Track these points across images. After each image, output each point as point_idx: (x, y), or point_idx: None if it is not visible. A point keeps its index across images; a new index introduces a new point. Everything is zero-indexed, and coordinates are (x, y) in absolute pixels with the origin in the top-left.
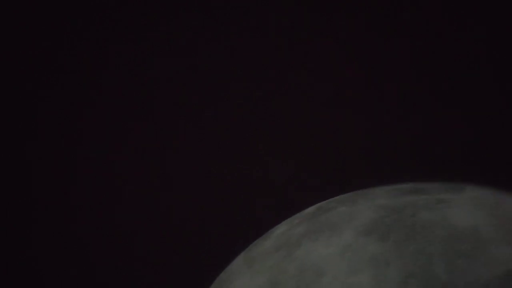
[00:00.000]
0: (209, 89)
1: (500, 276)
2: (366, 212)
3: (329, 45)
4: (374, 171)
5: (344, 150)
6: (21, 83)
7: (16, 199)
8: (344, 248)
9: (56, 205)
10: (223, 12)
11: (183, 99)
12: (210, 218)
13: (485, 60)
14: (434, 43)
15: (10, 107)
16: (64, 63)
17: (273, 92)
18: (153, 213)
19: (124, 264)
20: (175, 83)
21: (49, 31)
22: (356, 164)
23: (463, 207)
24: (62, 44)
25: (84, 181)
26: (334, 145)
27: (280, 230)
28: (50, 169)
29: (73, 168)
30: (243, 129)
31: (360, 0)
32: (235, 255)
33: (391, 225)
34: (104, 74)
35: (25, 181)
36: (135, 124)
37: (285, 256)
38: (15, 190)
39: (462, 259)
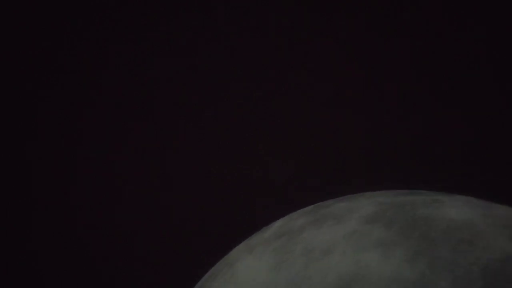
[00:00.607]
0: (209, 89)
1: (498, 258)
2: (367, 207)
3: (329, 45)
4: (374, 171)
5: (344, 150)
6: (21, 83)
7: (15, 199)
8: (349, 233)
9: (56, 205)
10: (223, 12)
11: (183, 99)
12: (210, 218)
13: (485, 60)
14: (434, 43)
15: (10, 107)
16: (64, 63)
17: (273, 92)
18: (153, 213)
19: (123, 263)
20: (175, 83)
21: (49, 31)
22: (356, 165)
23: (458, 206)
24: (62, 44)
25: (84, 181)
26: (334, 145)
27: (279, 223)
28: (50, 169)
29: (73, 168)
30: (243, 129)
31: (360, 0)
32: None
33: (393, 217)
34: (104, 74)
35: (25, 181)
36: (135, 124)
37: (289, 240)
38: (14, 190)
39: (463, 245)
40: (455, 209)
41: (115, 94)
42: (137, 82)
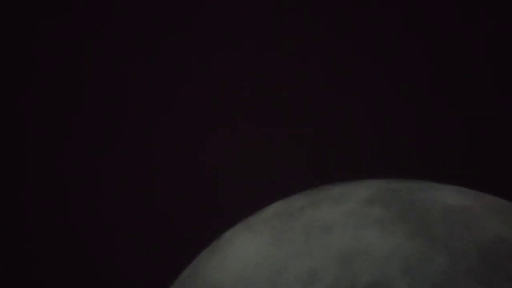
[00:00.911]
0: (208, 89)
1: (491, 239)
2: (364, 190)
3: (329, 45)
4: (373, 171)
5: (343, 149)
6: (16, 84)
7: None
8: (348, 212)
9: (51, 204)
10: (222, 12)
11: (182, 98)
12: (204, 216)
13: (485, 60)
14: (434, 43)
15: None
16: (59, 63)
17: (271, 91)
18: (150, 212)
19: (116, 256)
20: (170, 83)
21: (47, 31)
22: (355, 164)
23: (452, 193)
24: (57, 43)
25: (75, 178)
26: (328, 140)
27: (276, 205)
28: (44, 168)
29: (64, 166)
30: (242, 128)
31: (361, 0)
32: None
33: (390, 200)
34: (101, 74)
35: (18, 180)
36: (128, 122)
37: (288, 219)
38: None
39: (459, 226)
40: (449, 195)
41: (108, 94)
42: (132, 83)
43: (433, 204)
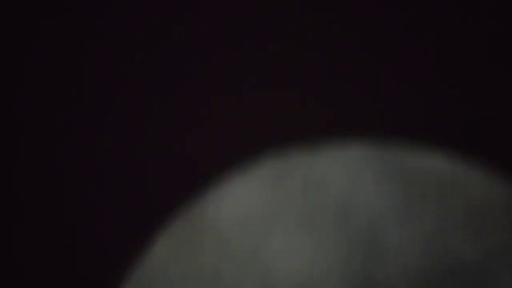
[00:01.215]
0: (208, 88)
1: (478, 201)
2: (360, 151)
3: (329, 44)
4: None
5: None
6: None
7: None
8: (346, 168)
9: (50, 204)
10: (222, 12)
11: (181, 98)
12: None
13: (485, 61)
14: (435, 42)
15: None
16: (60, 63)
17: (273, 90)
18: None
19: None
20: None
21: (47, 31)
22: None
23: (442, 160)
24: (57, 43)
25: (74, 178)
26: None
27: (269, 157)
28: (44, 168)
29: (63, 166)
30: (243, 127)
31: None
32: None
33: (385, 162)
34: (101, 74)
35: (18, 180)
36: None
37: (283, 168)
38: None
39: (448, 189)
40: (439, 162)
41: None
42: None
43: (424, 168)
